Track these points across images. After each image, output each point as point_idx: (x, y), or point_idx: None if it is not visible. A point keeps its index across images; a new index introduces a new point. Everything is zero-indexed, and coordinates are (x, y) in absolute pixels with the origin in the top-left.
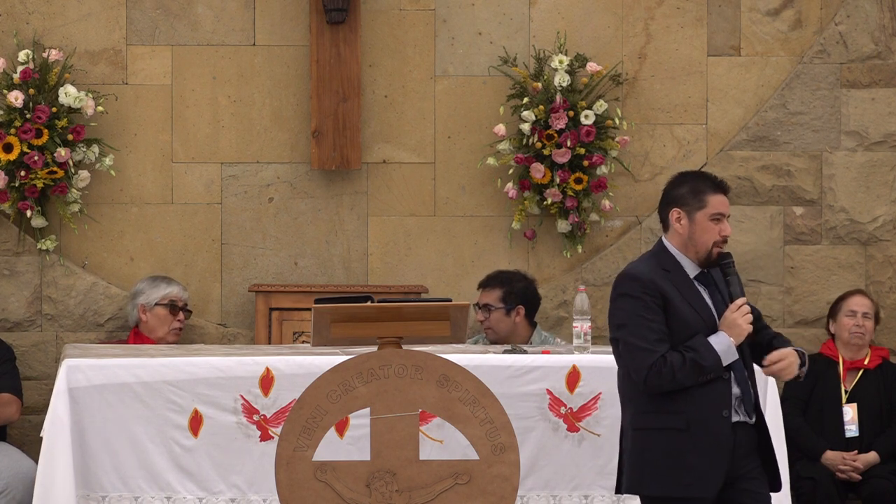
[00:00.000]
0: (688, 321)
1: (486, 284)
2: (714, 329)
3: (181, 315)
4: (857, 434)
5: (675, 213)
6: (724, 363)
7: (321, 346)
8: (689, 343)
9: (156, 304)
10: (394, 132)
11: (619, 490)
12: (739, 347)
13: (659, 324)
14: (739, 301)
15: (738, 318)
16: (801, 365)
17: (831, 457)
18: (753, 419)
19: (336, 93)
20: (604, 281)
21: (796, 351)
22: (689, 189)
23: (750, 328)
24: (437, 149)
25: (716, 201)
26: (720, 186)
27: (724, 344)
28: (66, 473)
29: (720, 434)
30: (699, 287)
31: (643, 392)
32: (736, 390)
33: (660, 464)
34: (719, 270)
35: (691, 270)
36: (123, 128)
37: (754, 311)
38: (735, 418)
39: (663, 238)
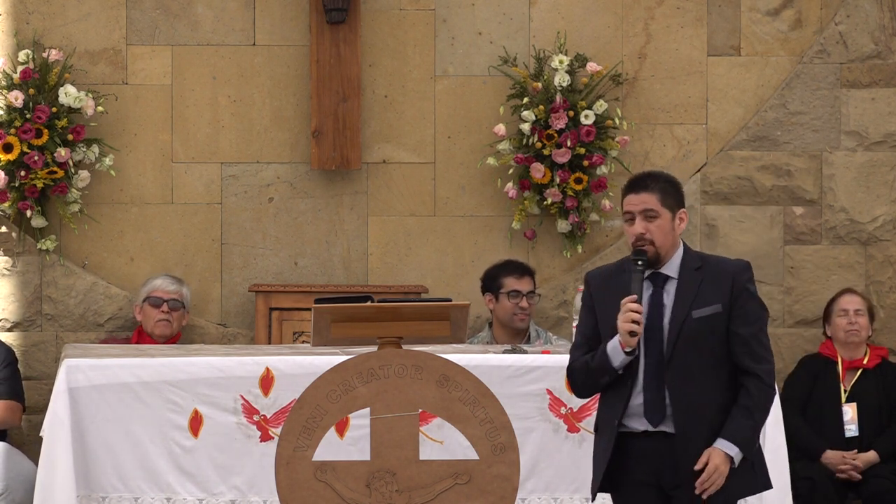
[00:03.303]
0: (609, 321)
1: (524, 271)
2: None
3: (164, 307)
4: (856, 433)
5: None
6: (614, 364)
7: (321, 346)
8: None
9: (143, 301)
10: (394, 132)
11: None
12: (662, 351)
13: (585, 326)
14: (627, 299)
15: (619, 315)
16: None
17: (831, 456)
18: (672, 429)
19: (336, 93)
20: None
21: (734, 445)
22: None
23: (631, 326)
24: (437, 149)
25: (624, 204)
26: (630, 186)
27: (611, 344)
28: (66, 474)
29: (608, 438)
30: (647, 287)
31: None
32: (639, 398)
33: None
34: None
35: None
36: (123, 128)
37: (746, 317)
38: (639, 427)
39: None
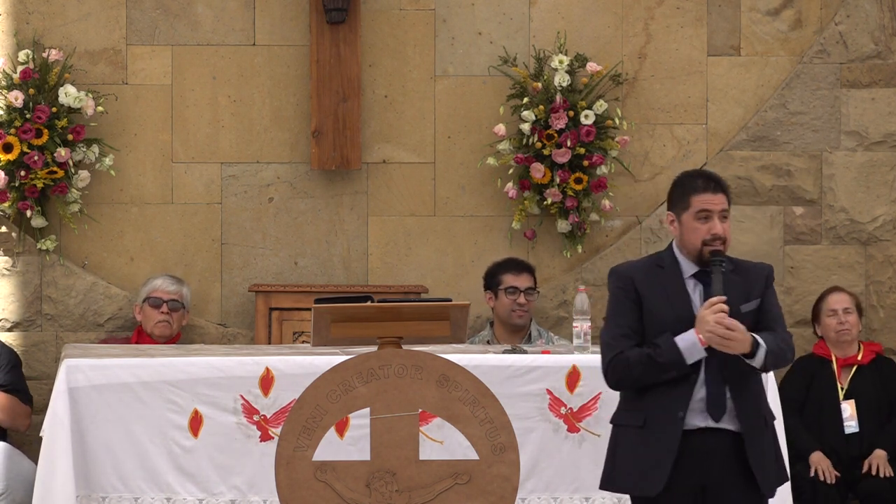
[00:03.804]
0: (661, 318)
1: (522, 268)
2: (690, 327)
3: (164, 308)
4: (857, 430)
5: (668, 217)
6: (688, 361)
7: (321, 346)
8: (656, 339)
9: (143, 301)
10: (394, 132)
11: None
12: (712, 349)
13: (627, 318)
14: (714, 299)
15: (708, 314)
16: (750, 355)
17: (816, 459)
18: (734, 426)
19: (336, 93)
20: (604, 281)
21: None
22: (678, 192)
23: (718, 327)
24: (437, 149)
25: (699, 200)
26: (708, 185)
27: (688, 341)
28: (65, 474)
29: (671, 435)
30: (694, 286)
31: (613, 388)
32: (701, 393)
33: (620, 461)
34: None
35: (689, 269)
36: (123, 128)
37: (771, 311)
38: (700, 423)
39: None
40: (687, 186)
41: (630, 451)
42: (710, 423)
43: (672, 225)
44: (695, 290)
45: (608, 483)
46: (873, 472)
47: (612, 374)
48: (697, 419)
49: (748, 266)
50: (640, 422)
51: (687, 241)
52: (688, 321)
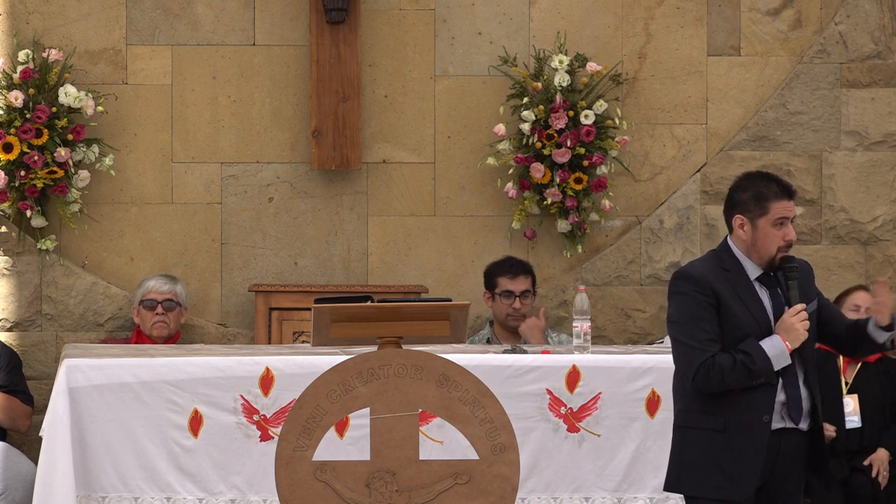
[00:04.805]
0: (740, 322)
1: (518, 271)
2: (768, 332)
3: (159, 309)
4: (859, 425)
5: (738, 220)
6: (776, 368)
7: (321, 346)
8: (741, 345)
9: (139, 304)
10: (394, 132)
11: (664, 487)
12: (795, 352)
13: (711, 323)
14: (798, 306)
15: (796, 322)
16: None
17: (881, 457)
18: (806, 426)
19: (336, 93)
20: (604, 281)
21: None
22: (752, 195)
23: (806, 334)
24: (437, 149)
25: (779, 207)
26: (785, 191)
27: (777, 348)
28: (65, 474)
29: (757, 439)
30: (760, 289)
31: (691, 391)
32: (781, 396)
33: (696, 464)
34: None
35: (753, 272)
36: (123, 128)
37: (832, 307)
38: (778, 424)
39: (728, 238)
40: (764, 191)
41: (708, 455)
42: (789, 424)
43: (742, 228)
44: (763, 295)
45: (676, 486)
46: (873, 474)
47: (703, 378)
48: (777, 421)
49: (799, 265)
50: (718, 425)
51: (760, 247)
52: (766, 327)
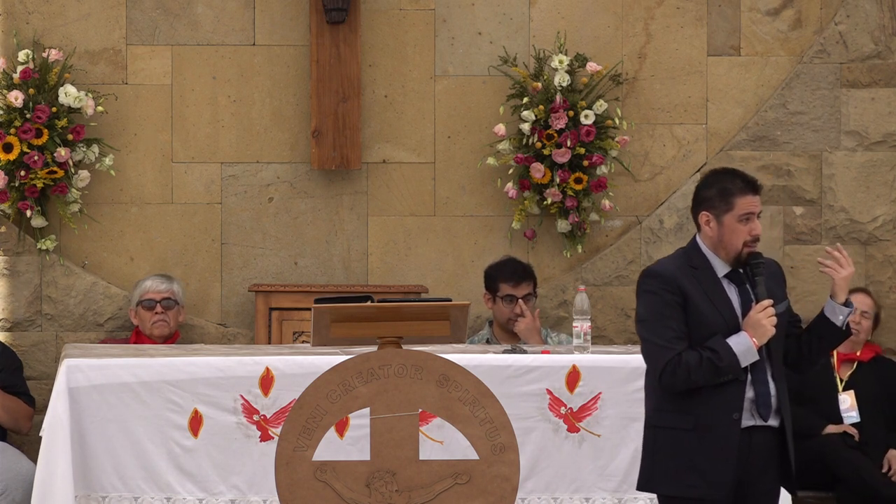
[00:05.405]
0: (707, 320)
1: (521, 276)
2: (736, 329)
3: (158, 308)
4: (857, 419)
5: (703, 217)
6: (743, 364)
7: (321, 346)
8: (708, 343)
9: (137, 305)
10: (394, 132)
11: (637, 486)
12: (763, 348)
13: (678, 321)
14: (765, 302)
15: (763, 318)
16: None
17: (833, 429)
18: (777, 422)
19: (336, 93)
20: (604, 281)
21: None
22: (717, 191)
23: (773, 330)
24: (437, 149)
25: (743, 203)
26: (749, 186)
27: (743, 345)
28: (65, 474)
29: (728, 437)
30: (728, 286)
31: (661, 390)
32: (750, 393)
33: (668, 463)
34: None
35: (721, 269)
36: (123, 128)
37: (793, 316)
38: (748, 422)
39: (697, 236)
40: (729, 187)
41: (680, 454)
42: (759, 422)
43: (708, 225)
44: (731, 292)
45: (648, 485)
46: (890, 474)
47: (670, 376)
48: (747, 418)
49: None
50: (689, 424)
51: (727, 243)
52: (734, 324)
